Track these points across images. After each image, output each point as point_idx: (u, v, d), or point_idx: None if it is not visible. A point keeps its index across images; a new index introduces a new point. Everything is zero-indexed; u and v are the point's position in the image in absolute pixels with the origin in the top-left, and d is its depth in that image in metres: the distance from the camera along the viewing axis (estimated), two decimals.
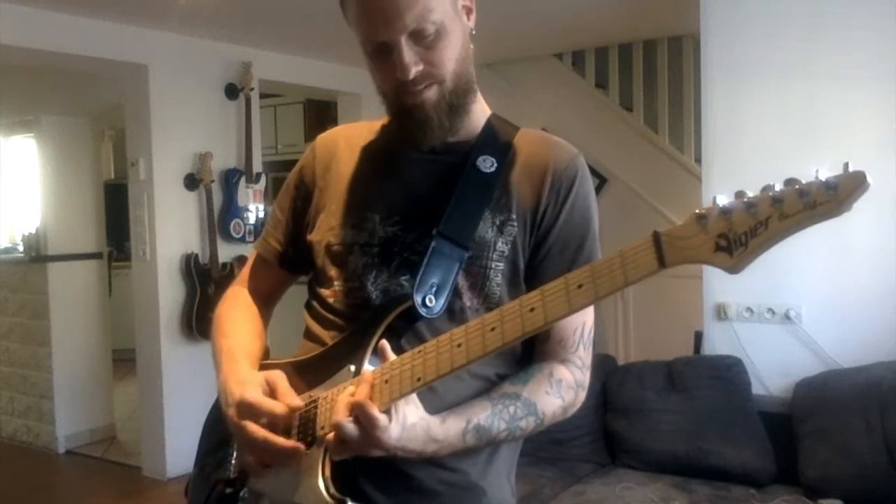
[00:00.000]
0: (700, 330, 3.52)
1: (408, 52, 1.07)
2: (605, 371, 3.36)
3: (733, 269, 0.80)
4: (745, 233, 0.78)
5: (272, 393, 1.07)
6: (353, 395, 0.99)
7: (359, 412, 0.96)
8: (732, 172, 3.32)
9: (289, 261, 1.31)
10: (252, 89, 4.65)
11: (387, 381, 1.00)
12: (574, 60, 5.36)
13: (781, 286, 3.18)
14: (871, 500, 2.70)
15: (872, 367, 2.93)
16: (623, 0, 4.09)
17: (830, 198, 0.74)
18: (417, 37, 1.07)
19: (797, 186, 0.76)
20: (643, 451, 3.14)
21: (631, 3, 4.14)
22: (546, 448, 3.26)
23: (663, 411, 3.13)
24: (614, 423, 3.24)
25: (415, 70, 1.08)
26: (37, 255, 4.99)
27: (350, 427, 0.96)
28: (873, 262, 3.07)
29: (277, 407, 1.04)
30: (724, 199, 0.80)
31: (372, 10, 1.06)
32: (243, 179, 4.69)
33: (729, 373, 3.15)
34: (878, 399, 2.81)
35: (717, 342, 3.36)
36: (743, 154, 3.30)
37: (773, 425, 3.02)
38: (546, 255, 1.15)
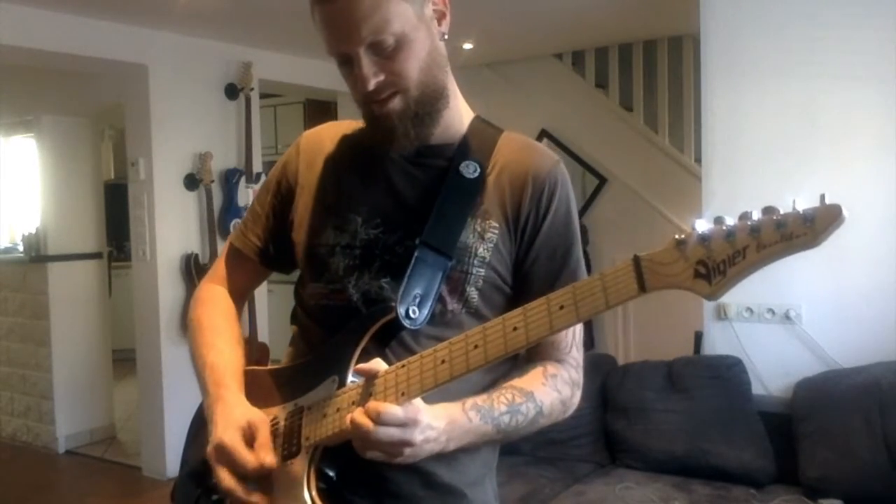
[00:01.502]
0: (700, 330, 3.52)
1: (366, 64, 1.07)
2: (605, 371, 3.36)
3: (711, 296, 0.82)
4: (724, 261, 0.80)
5: (251, 440, 1.06)
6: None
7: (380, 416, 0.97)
8: (732, 172, 3.32)
9: (269, 257, 1.30)
10: (252, 89, 4.65)
11: (370, 395, 1.01)
12: (574, 60, 5.36)
13: (781, 286, 3.18)
14: (871, 500, 2.70)
15: (872, 367, 2.93)
16: (623, 0, 4.09)
17: (807, 230, 0.75)
18: (376, 48, 1.06)
19: (775, 217, 0.77)
20: (643, 451, 3.13)
21: (631, 3, 4.14)
22: (546, 448, 3.26)
23: (663, 411, 3.13)
24: (614, 423, 3.24)
25: (374, 81, 1.07)
26: (37, 255, 4.99)
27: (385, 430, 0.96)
28: (873, 262, 3.07)
29: (249, 462, 1.04)
30: (703, 225, 0.82)
31: (330, 23, 1.07)
32: (243, 179, 4.69)
33: (729, 373, 3.14)
34: (878, 399, 2.80)
35: (717, 342, 3.36)
36: (743, 154, 3.30)
37: (773, 425, 3.02)
38: (534, 262, 1.16)
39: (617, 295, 0.87)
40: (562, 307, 0.89)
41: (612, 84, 5.21)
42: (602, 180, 5.17)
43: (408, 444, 0.97)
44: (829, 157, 3.12)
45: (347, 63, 1.09)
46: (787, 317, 3.21)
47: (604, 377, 3.32)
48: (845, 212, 0.74)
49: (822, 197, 0.76)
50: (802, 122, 3.18)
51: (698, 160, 4.04)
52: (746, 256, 0.78)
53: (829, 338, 3.14)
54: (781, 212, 0.77)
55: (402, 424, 0.96)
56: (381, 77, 1.08)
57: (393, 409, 0.95)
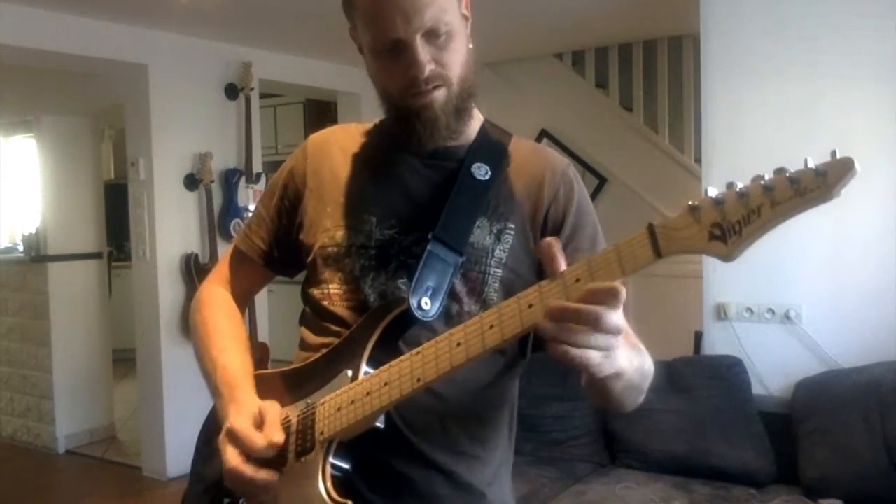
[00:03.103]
0: (700, 330, 3.52)
1: (422, 50, 1.07)
2: None
3: (728, 256, 0.81)
4: (739, 221, 0.80)
5: (260, 424, 1.06)
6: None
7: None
8: (732, 172, 3.27)
9: (274, 260, 1.29)
10: (252, 89, 4.65)
11: (386, 384, 1.00)
12: (574, 60, 5.36)
13: (781, 286, 3.18)
14: (871, 500, 2.70)
15: (872, 367, 2.93)
16: (623, 0, 4.09)
17: (820, 183, 0.76)
18: (431, 36, 1.07)
19: (787, 174, 0.78)
20: (643, 451, 3.14)
21: (631, 3, 4.14)
22: (546, 448, 3.26)
23: (663, 411, 3.13)
24: (614, 423, 3.24)
25: (429, 68, 1.08)
26: (37, 255, 4.99)
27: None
28: (873, 261, 3.07)
29: (258, 440, 1.04)
30: (715, 191, 0.82)
31: (389, 7, 1.06)
32: (243, 179, 4.69)
33: (729, 373, 3.15)
34: (878, 399, 2.81)
35: (717, 342, 3.36)
36: (743, 154, 3.30)
37: (773, 425, 3.02)
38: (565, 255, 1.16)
39: (633, 262, 0.85)
40: (577, 280, 0.88)
41: (612, 84, 5.21)
42: (602, 180, 5.17)
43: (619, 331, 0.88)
44: (828, 157, 3.11)
45: (394, 51, 1.09)
46: (787, 317, 3.21)
47: None
48: (857, 164, 0.74)
49: (834, 153, 0.76)
50: (802, 123, 3.18)
51: (698, 160, 4.04)
52: (761, 214, 0.78)
53: (829, 338, 3.14)
54: (793, 170, 0.78)
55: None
56: (433, 66, 1.09)
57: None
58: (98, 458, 4.88)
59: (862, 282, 3.10)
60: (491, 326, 0.93)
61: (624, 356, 0.93)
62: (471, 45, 1.17)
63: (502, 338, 0.93)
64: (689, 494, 2.86)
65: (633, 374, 0.98)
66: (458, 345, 0.95)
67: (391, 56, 1.10)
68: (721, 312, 3.34)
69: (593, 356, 0.86)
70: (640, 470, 3.10)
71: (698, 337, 3.63)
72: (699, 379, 3.16)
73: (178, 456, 4.28)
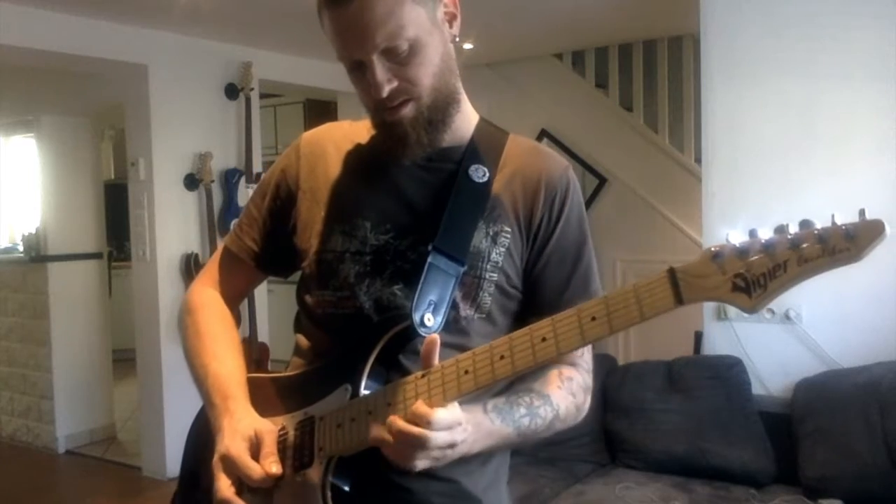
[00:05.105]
0: (700, 330, 3.52)
1: (380, 71, 1.04)
2: (605, 371, 3.36)
3: (751, 309, 0.80)
4: (764, 274, 0.79)
5: (257, 451, 1.04)
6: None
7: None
8: (732, 172, 3.32)
9: (266, 262, 1.26)
10: (252, 89, 4.65)
11: (389, 405, 0.99)
12: (574, 60, 5.36)
13: None
14: (871, 500, 2.70)
15: (872, 367, 2.93)
16: (623, 0, 4.09)
17: (850, 246, 0.76)
18: (390, 54, 1.04)
19: (816, 231, 0.76)
20: (643, 451, 3.14)
21: (631, 3, 4.14)
22: (546, 448, 3.26)
23: (663, 411, 3.13)
24: (614, 423, 3.24)
25: (388, 88, 1.05)
26: (37, 255, 4.99)
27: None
28: (873, 262, 3.05)
29: (254, 471, 1.02)
30: (736, 237, 0.80)
31: (343, 29, 1.04)
32: (243, 179, 4.69)
33: (729, 373, 3.15)
34: (878, 399, 2.81)
35: (717, 342, 3.36)
36: (743, 154, 3.30)
37: (773, 425, 3.02)
38: (545, 266, 1.15)
39: (652, 307, 0.84)
40: (593, 318, 0.87)
41: (612, 84, 5.21)
42: (602, 180, 5.17)
43: (453, 445, 0.95)
44: (829, 157, 3.12)
45: (358, 69, 1.07)
46: (787, 317, 3.21)
47: (604, 377, 3.31)
48: (888, 228, 0.74)
49: (862, 212, 0.75)
50: (802, 122, 3.18)
51: (698, 160, 4.04)
52: (787, 270, 0.77)
53: (829, 338, 3.14)
54: (819, 225, 0.76)
55: (450, 427, 0.94)
56: (395, 84, 1.05)
57: (442, 412, 0.93)
58: (98, 458, 4.88)
59: (862, 282, 3.09)
60: (501, 357, 0.93)
61: (479, 443, 1.01)
62: (457, 38, 1.12)
63: (513, 370, 0.93)
64: (689, 494, 2.86)
65: (503, 443, 1.06)
66: (466, 373, 0.95)
67: (357, 73, 1.08)
68: (721, 312, 3.34)
69: (425, 464, 0.95)
70: (640, 470, 3.10)
71: (698, 337, 3.63)
72: (699, 379, 3.16)
73: (177, 456, 4.24)
